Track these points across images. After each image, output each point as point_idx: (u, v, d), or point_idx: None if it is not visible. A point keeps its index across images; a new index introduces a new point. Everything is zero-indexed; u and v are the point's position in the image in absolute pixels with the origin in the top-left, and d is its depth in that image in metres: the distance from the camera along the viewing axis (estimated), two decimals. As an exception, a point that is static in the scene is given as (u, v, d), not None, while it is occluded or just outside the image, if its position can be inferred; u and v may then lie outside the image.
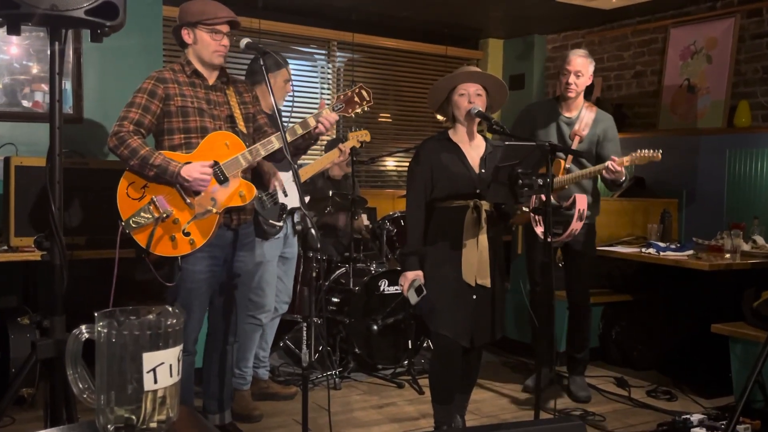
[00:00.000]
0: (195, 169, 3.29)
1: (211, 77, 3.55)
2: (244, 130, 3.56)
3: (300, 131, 3.47)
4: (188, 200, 3.35)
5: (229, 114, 3.55)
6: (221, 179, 3.39)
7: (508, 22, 7.09)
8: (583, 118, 4.57)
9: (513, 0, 6.14)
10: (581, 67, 4.51)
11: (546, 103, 4.81)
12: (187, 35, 3.48)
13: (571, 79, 4.52)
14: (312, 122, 3.50)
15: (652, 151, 4.28)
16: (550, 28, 7.36)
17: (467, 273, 3.61)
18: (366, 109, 3.61)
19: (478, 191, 3.63)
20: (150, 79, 3.43)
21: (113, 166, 4.78)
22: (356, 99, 3.58)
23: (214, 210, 3.38)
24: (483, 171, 3.66)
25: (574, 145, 4.54)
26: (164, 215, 3.32)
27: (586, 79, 4.56)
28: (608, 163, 4.23)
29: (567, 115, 4.62)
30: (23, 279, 4.75)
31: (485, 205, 3.63)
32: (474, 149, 3.73)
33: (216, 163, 3.38)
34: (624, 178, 4.34)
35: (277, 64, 4.25)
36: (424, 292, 3.56)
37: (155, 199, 3.32)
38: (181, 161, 3.34)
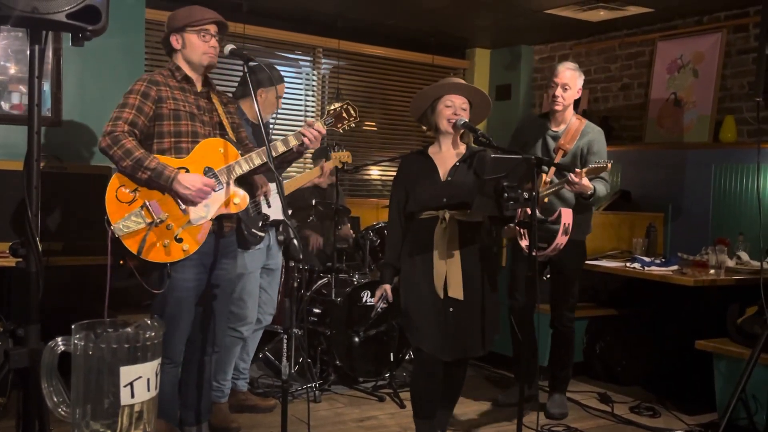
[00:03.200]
0: (198, 180, 3.28)
1: (199, 84, 3.52)
2: (234, 138, 3.55)
3: (293, 142, 3.46)
4: (183, 206, 3.31)
5: (219, 121, 3.54)
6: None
7: (496, 32, 7.07)
8: (570, 131, 4.53)
9: (501, 10, 6.12)
10: (569, 80, 4.47)
11: (536, 119, 4.78)
12: (175, 41, 3.46)
13: (558, 92, 4.47)
14: (305, 132, 3.47)
15: (600, 162, 4.24)
16: (537, 39, 7.35)
17: (437, 285, 3.58)
18: (352, 125, 3.68)
19: (444, 200, 3.59)
20: (141, 81, 3.40)
21: (92, 170, 4.72)
22: (344, 114, 3.65)
23: (208, 217, 3.35)
24: (449, 178, 3.63)
25: (557, 159, 4.50)
26: (158, 220, 3.26)
27: (573, 93, 4.51)
28: (569, 176, 4.19)
29: (554, 128, 4.59)
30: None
31: (457, 215, 3.58)
32: (450, 159, 3.70)
33: (211, 170, 3.36)
34: (591, 192, 4.27)
35: (270, 79, 4.22)
36: (385, 304, 3.73)
37: (148, 204, 3.27)
38: (174, 166, 3.31)
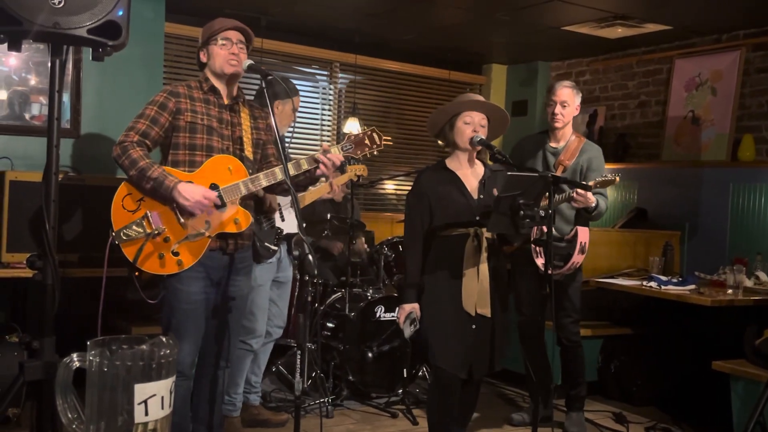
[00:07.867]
0: (198, 192, 3.23)
1: (227, 96, 3.51)
2: (251, 156, 3.50)
3: (305, 166, 3.42)
4: (182, 220, 3.28)
5: (239, 136, 3.50)
6: (219, 204, 3.32)
7: (512, 48, 7.08)
8: (569, 147, 4.57)
9: (517, 26, 6.13)
10: (567, 97, 4.52)
11: (536, 135, 4.83)
12: (203, 55, 3.48)
13: (557, 109, 4.53)
14: (321, 158, 3.43)
15: (609, 175, 4.28)
16: (554, 55, 7.34)
17: (467, 302, 3.55)
18: (375, 153, 3.54)
19: (477, 218, 3.57)
20: (162, 92, 3.42)
21: (109, 183, 4.71)
22: (367, 141, 3.51)
23: (207, 233, 3.31)
24: (481, 197, 3.61)
25: (558, 174, 4.50)
26: (156, 232, 3.24)
27: (572, 110, 4.57)
28: (575, 191, 4.19)
29: (553, 145, 4.63)
30: (12, 295, 4.66)
31: (486, 234, 3.57)
32: (473, 176, 3.69)
33: (216, 187, 3.32)
34: (594, 204, 4.26)
35: (287, 92, 4.22)
36: (417, 326, 3.54)
37: (149, 214, 3.25)
38: (182, 179, 3.28)
